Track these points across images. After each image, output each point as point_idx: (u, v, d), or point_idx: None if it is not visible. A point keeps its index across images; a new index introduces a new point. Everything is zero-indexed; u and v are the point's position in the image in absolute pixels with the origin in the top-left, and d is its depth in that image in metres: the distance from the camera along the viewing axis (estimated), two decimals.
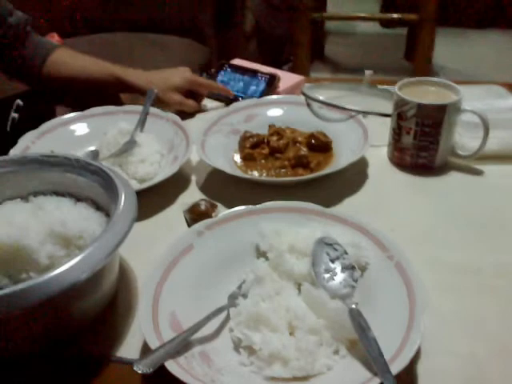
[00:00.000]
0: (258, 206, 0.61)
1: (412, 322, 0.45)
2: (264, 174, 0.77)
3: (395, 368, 0.41)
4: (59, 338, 0.52)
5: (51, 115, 1.02)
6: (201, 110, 0.98)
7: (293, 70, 2.71)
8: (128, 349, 0.51)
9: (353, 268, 0.51)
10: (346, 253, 0.53)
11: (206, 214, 0.67)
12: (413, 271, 0.50)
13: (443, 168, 0.77)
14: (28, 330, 0.47)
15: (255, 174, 0.77)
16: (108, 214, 0.59)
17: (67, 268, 0.45)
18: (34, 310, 0.43)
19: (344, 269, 0.52)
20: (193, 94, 0.97)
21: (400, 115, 0.75)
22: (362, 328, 0.45)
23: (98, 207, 0.61)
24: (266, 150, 0.80)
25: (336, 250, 0.53)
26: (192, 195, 0.74)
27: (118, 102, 0.93)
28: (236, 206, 0.63)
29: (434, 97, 0.75)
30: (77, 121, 0.87)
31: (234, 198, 0.71)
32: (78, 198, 0.62)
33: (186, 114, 0.94)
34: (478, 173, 0.76)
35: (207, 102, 1.00)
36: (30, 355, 0.50)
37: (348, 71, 2.70)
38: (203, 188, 0.76)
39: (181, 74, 0.95)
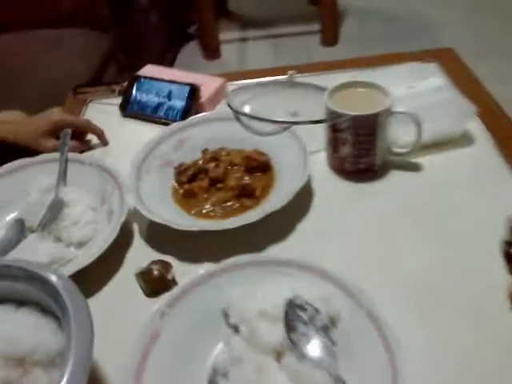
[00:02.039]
0: (217, 266, 0.59)
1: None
2: (210, 212, 0.73)
3: None
4: None
5: None
6: (85, 149, 0.89)
7: (199, 35, 2.59)
8: None
9: (327, 329, 0.51)
10: (317, 311, 0.52)
11: (160, 279, 0.63)
12: (386, 322, 0.51)
13: (384, 168, 0.77)
14: None
15: (200, 211, 0.74)
16: (57, 317, 0.54)
17: None
18: None
19: (319, 330, 0.51)
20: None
21: (334, 127, 0.73)
22: None
23: (43, 309, 0.55)
24: (205, 182, 0.76)
25: (307, 310, 0.52)
26: (139, 252, 0.70)
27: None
28: (188, 257, 0.63)
29: (364, 100, 0.74)
30: None
31: (183, 248, 0.68)
32: (20, 302, 0.56)
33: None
34: (417, 168, 0.77)
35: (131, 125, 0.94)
36: None
37: (256, 26, 2.62)
38: (148, 239, 0.72)
39: (48, 117, 0.87)
